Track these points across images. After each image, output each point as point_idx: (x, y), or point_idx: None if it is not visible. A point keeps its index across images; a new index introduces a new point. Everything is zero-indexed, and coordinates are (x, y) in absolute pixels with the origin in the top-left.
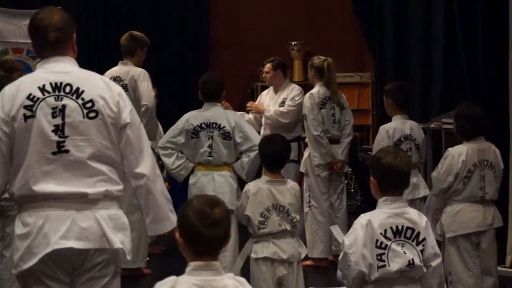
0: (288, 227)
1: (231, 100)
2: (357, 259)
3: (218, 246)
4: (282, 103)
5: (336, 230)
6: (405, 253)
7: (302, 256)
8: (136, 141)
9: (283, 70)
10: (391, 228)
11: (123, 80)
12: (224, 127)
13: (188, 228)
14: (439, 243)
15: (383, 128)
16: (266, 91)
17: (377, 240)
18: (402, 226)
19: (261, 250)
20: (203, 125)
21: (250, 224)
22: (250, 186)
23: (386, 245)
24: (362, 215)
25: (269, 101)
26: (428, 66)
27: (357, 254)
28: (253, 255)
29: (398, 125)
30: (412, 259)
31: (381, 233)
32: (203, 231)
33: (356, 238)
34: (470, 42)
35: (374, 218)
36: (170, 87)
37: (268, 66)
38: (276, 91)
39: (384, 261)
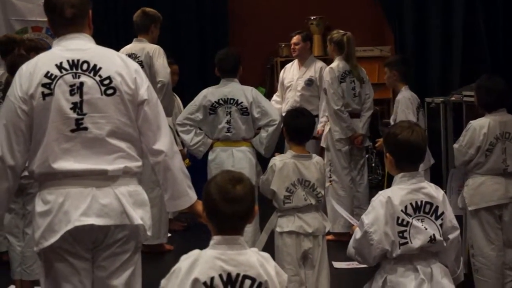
0: (313, 202)
1: (251, 75)
2: (380, 238)
3: (240, 222)
4: (309, 81)
5: (338, 206)
6: (426, 228)
7: (327, 230)
8: (153, 117)
9: (311, 42)
10: (411, 204)
11: (139, 57)
12: (241, 102)
13: (209, 204)
14: (461, 217)
15: (404, 97)
16: (289, 64)
17: (398, 217)
18: (421, 201)
19: (286, 224)
20: (221, 101)
21: (276, 199)
22: (276, 161)
23: (408, 222)
24: (380, 192)
25: (293, 75)
26: (449, 38)
27: (380, 232)
28: (278, 229)
29: (413, 94)
30: (433, 234)
31: (402, 210)
32: (224, 207)
33: (377, 216)
34: (490, 14)
35: (393, 195)
36: (189, 63)
37: (297, 37)
38: (301, 64)
39: (406, 238)
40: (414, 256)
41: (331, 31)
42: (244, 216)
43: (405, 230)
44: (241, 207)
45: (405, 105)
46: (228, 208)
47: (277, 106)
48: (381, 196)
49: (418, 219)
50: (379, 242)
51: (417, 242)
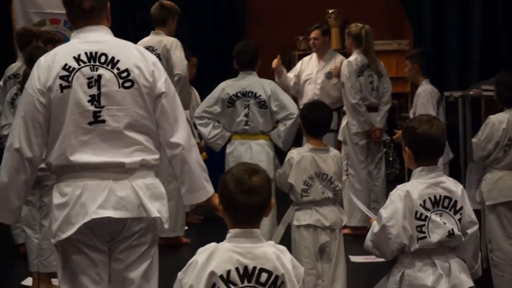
0: (331, 195)
1: (268, 69)
2: (398, 232)
3: (256, 214)
4: (329, 74)
5: (355, 199)
6: (444, 223)
7: (344, 223)
8: (171, 110)
9: (330, 37)
10: (429, 198)
11: (156, 49)
12: (260, 95)
13: (226, 195)
14: (479, 211)
15: (424, 91)
16: (308, 57)
17: (416, 212)
18: (440, 196)
19: (303, 217)
20: (239, 94)
21: (293, 192)
22: (294, 154)
23: (426, 216)
24: (398, 186)
25: (312, 69)
26: (467, 32)
27: (398, 226)
28: (295, 223)
29: (434, 88)
30: (452, 229)
31: (420, 204)
32: (240, 198)
33: (396, 210)
34: (510, 7)
35: (412, 189)
36: (207, 57)
37: (316, 32)
38: (320, 58)
39: (424, 232)
40: (432, 251)
41: (349, 25)
42: (260, 207)
43: (424, 225)
44: (257, 198)
45: (425, 98)
46: (244, 199)
47: (291, 76)
48: (400, 190)
49: (436, 214)
50: (397, 236)
51: (435, 236)
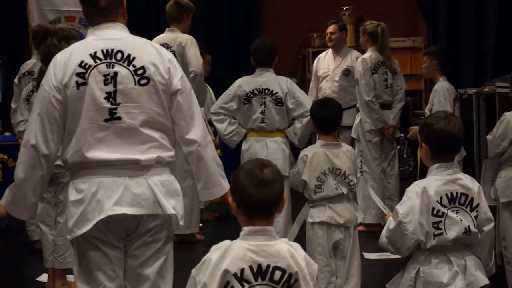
0: (345, 191)
1: (283, 66)
2: (415, 228)
3: (269, 208)
4: (346, 71)
5: (372, 193)
6: (461, 220)
7: (359, 220)
8: (187, 107)
9: (347, 33)
10: (446, 195)
11: (171, 47)
12: (276, 93)
13: (238, 190)
14: (494, 208)
15: (442, 88)
16: (323, 54)
17: (433, 208)
18: (457, 193)
19: (317, 214)
20: (256, 91)
21: (307, 189)
22: (307, 152)
23: (443, 213)
24: (415, 182)
25: (328, 65)
26: (482, 29)
27: (415, 222)
28: (309, 220)
29: (451, 86)
30: (468, 226)
31: (437, 201)
32: (252, 192)
33: (413, 207)
34: None
35: (429, 185)
36: (222, 53)
37: (333, 27)
38: (336, 54)
39: (441, 229)
40: (448, 248)
41: (364, 22)
42: (273, 201)
43: (440, 221)
44: (269, 191)
45: (443, 95)
46: (256, 192)
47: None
48: (417, 186)
49: (453, 210)
50: (413, 233)
51: (452, 233)
